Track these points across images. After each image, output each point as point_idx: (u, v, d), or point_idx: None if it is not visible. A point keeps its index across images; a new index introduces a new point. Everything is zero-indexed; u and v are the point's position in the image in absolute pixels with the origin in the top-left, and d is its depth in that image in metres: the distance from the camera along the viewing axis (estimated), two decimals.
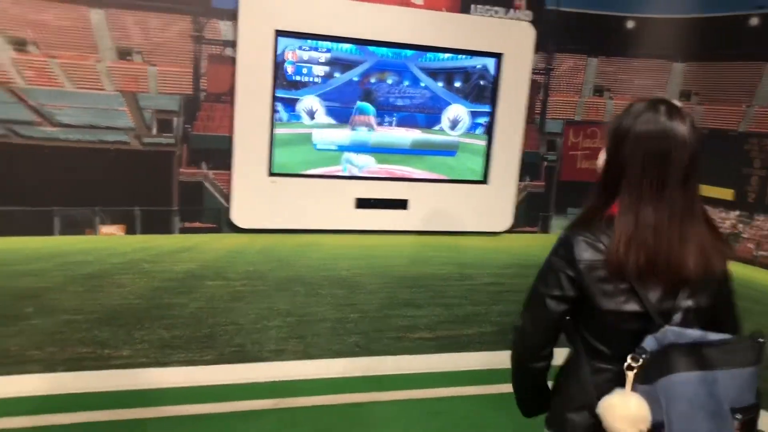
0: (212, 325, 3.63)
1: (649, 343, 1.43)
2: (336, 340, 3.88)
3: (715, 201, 3.87)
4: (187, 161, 3.45)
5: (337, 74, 3.54)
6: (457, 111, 3.79)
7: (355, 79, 3.57)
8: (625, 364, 1.43)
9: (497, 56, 3.76)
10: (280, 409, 3.48)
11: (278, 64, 3.42)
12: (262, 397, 3.56)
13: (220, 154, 3.48)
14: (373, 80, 3.60)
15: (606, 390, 1.49)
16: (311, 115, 3.55)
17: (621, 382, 1.47)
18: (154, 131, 3.37)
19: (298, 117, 3.53)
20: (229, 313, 3.65)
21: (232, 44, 3.36)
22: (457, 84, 3.75)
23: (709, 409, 1.38)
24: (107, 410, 3.30)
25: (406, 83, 3.66)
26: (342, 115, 3.60)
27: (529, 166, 4.05)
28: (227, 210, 3.53)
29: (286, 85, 3.47)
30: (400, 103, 3.68)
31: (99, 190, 3.35)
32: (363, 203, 3.73)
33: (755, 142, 3.68)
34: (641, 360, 1.41)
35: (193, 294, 3.59)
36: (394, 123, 3.70)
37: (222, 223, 3.57)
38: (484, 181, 3.93)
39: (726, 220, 3.82)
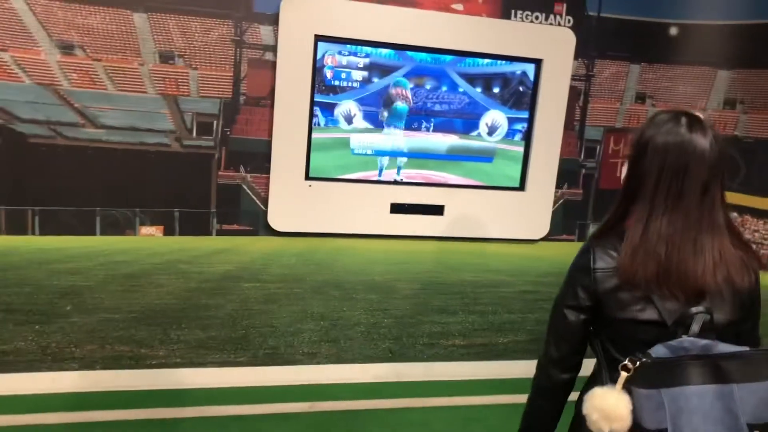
0: (247, 326, 3.66)
1: (658, 350, 1.40)
2: (369, 345, 3.88)
3: (758, 211, 3.78)
4: (225, 164, 3.48)
5: (375, 79, 3.54)
6: (495, 117, 3.76)
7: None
8: (621, 364, 1.40)
9: (537, 62, 3.73)
10: (313, 412, 3.49)
11: (317, 69, 3.44)
12: (295, 400, 3.57)
13: (258, 158, 3.50)
14: (411, 85, 3.59)
15: None
16: (349, 119, 3.55)
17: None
18: (194, 134, 3.41)
19: (335, 121, 3.54)
20: (264, 315, 3.68)
21: (273, 49, 3.38)
22: (496, 90, 3.72)
23: (725, 424, 1.34)
24: (142, 409, 3.34)
25: (444, 88, 3.65)
26: (380, 120, 3.60)
27: (566, 174, 4.00)
28: (264, 213, 3.56)
29: (324, 89, 3.48)
30: (438, 108, 3.67)
31: (139, 192, 3.41)
32: (398, 208, 3.72)
33: None
34: (638, 363, 1.37)
35: (228, 295, 3.62)
36: (431, 128, 3.68)
37: (259, 225, 3.59)
38: (521, 187, 3.89)
39: None
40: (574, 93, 3.88)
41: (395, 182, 3.71)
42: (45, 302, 3.36)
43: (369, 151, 3.64)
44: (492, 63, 3.68)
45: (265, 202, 3.54)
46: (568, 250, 4.03)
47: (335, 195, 3.61)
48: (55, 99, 3.18)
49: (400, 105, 3.60)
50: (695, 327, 1.43)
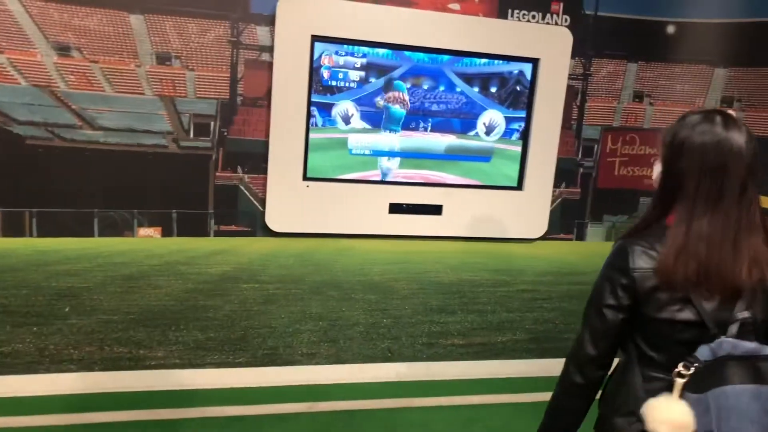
0: (245, 327, 3.66)
1: (703, 352, 1.42)
2: (368, 345, 3.88)
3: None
4: (223, 165, 3.48)
5: (372, 79, 3.54)
6: (493, 116, 3.76)
7: None
8: (675, 371, 1.42)
9: (534, 61, 3.73)
10: (313, 412, 3.49)
11: (314, 69, 3.44)
12: (294, 401, 3.57)
13: (255, 158, 3.50)
14: (408, 85, 3.59)
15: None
16: (346, 119, 3.55)
17: (672, 391, 1.47)
18: (191, 135, 3.41)
19: (333, 122, 3.54)
20: (263, 315, 3.68)
21: (269, 49, 3.38)
22: (493, 89, 3.72)
23: (762, 424, 1.36)
24: (141, 410, 3.34)
25: (442, 88, 3.65)
26: (377, 120, 3.60)
27: (564, 173, 4.00)
28: (262, 214, 3.56)
29: (321, 90, 3.48)
30: (435, 108, 3.67)
31: (137, 193, 3.41)
32: (396, 208, 3.72)
33: None
34: (692, 369, 1.40)
35: (227, 296, 3.62)
36: (429, 128, 3.69)
37: (257, 226, 3.59)
38: (518, 187, 3.89)
39: None
40: (571, 92, 3.88)
41: (394, 182, 3.70)
42: (43, 304, 3.36)
43: (367, 151, 3.64)
44: (489, 62, 3.68)
45: (263, 202, 3.54)
46: (566, 250, 4.08)
47: (333, 195, 3.61)
48: (51, 101, 3.18)
49: (396, 109, 3.60)
50: (734, 328, 1.45)
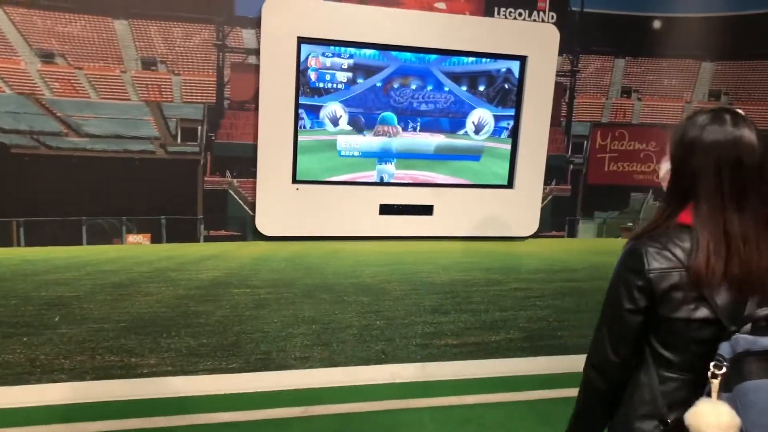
0: (238, 332, 3.64)
1: (725, 349, 1.42)
2: (362, 347, 3.86)
3: None
4: (211, 170, 3.46)
5: (360, 80, 3.53)
6: (482, 115, 3.76)
7: (378, 84, 3.56)
8: (709, 372, 1.42)
9: (521, 59, 3.72)
10: (307, 417, 3.47)
11: (301, 71, 3.42)
12: (288, 405, 3.55)
13: (244, 162, 3.48)
14: (396, 85, 3.58)
15: (674, 398, 1.51)
16: (335, 121, 3.54)
17: (690, 391, 1.48)
18: (179, 140, 3.39)
19: (321, 124, 3.52)
20: (255, 320, 3.66)
21: (256, 52, 3.36)
22: (481, 88, 3.72)
23: None
24: (135, 418, 3.32)
25: (430, 88, 3.64)
26: (366, 121, 3.59)
27: (554, 170, 4.00)
28: (252, 218, 3.54)
29: (309, 92, 3.47)
30: (423, 108, 3.66)
31: (125, 200, 3.38)
32: (387, 209, 3.71)
33: None
34: (724, 367, 1.40)
35: (218, 302, 3.60)
36: (418, 128, 3.67)
37: (247, 231, 3.57)
38: (509, 185, 3.89)
39: None
40: (559, 89, 3.88)
41: (384, 183, 3.69)
42: (32, 314, 3.33)
43: (356, 153, 3.63)
44: (477, 61, 3.68)
45: (253, 206, 3.52)
46: (558, 247, 4.08)
47: (323, 198, 3.60)
48: (37, 108, 3.15)
49: (386, 142, 3.60)
50: (749, 324, 1.44)
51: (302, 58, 3.41)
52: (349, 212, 3.66)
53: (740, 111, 1.52)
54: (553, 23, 3.76)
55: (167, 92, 3.32)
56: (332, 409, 3.56)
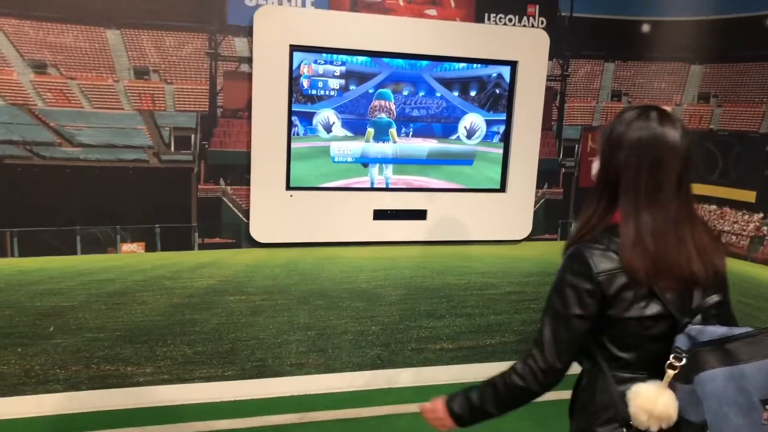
0: (233, 340, 3.64)
1: (683, 341, 1.44)
2: (357, 352, 3.87)
3: (737, 203, 3.82)
4: (205, 177, 3.47)
5: (352, 87, 3.55)
6: (474, 120, 3.78)
7: (371, 91, 3.58)
8: (667, 363, 1.43)
9: (512, 64, 3.75)
10: (304, 423, 3.47)
11: (294, 79, 3.44)
12: (285, 412, 3.55)
13: (237, 170, 3.49)
14: (389, 91, 3.60)
15: None
16: (328, 128, 3.55)
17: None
18: (172, 149, 3.39)
19: (314, 130, 3.54)
20: (250, 327, 3.66)
21: (248, 60, 3.38)
22: (473, 93, 3.74)
23: (740, 405, 1.38)
24: (131, 428, 3.31)
25: (422, 94, 3.66)
26: (358, 128, 3.61)
27: (546, 173, 4.03)
28: (246, 225, 3.54)
29: (302, 99, 3.48)
30: (416, 113, 3.68)
31: (119, 209, 3.38)
32: (381, 215, 3.72)
33: None
34: (684, 359, 1.41)
35: (213, 309, 3.60)
36: (410, 133, 3.69)
37: (241, 238, 3.58)
38: (501, 189, 3.91)
39: (749, 222, 3.76)
40: (550, 93, 3.91)
41: (377, 189, 3.71)
42: (27, 324, 3.32)
43: (350, 159, 3.64)
44: (468, 66, 3.70)
45: (247, 214, 3.53)
46: (551, 250, 4.10)
47: (317, 204, 3.61)
48: (29, 119, 3.15)
49: (383, 118, 3.60)
50: (699, 316, 1.47)
51: (295, 66, 3.43)
52: (343, 218, 3.67)
53: (668, 109, 1.54)
54: (543, 28, 3.79)
55: (160, 101, 3.33)
56: (329, 416, 3.56)
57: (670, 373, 1.42)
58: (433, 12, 3.63)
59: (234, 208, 3.54)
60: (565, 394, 1.73)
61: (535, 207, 4.02)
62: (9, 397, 3.33)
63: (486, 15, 3.71)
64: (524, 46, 3.75)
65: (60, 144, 3.22)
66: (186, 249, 3.52)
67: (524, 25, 3.78)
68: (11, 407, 3.33)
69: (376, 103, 3.59)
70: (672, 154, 1.47)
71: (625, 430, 1.51)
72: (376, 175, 3.69)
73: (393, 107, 3.62)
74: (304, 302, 3.73)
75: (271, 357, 3.71)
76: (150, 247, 3.46)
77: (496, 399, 1.64)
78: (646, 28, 3.99)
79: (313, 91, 3.49)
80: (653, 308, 1.49)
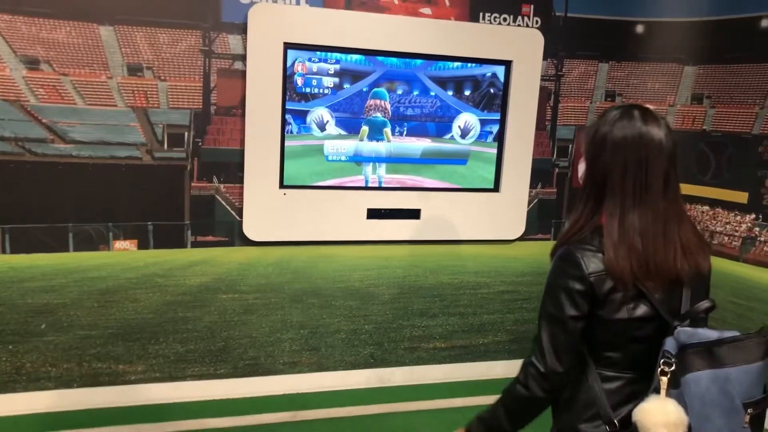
0: (226, 338, 3.63)
1: (671, 345, 1.44)
2: (350, 351, 3.87)
3: (729, 204, 3.83)
4: (198, 175, 3.46)
5: (346, 85, 3.54)
6: (468, 119, 3.78)
7: (365, 89, 3.57)
8: (659, 369, 1.43)
9: (506, 64, 3.75)
10: (297, 422, 3.47)
11: (288, 77, 3.43)
12: (277, 410, 3.55)
13: (231, 168, 3.48)
14: (391, 92, 3.60)
15: (618, 397, 1.52)
16: (322, 126, 3.55)
17: (634, 389, 1.50)
18: (166, 146, 3.38)
19: (308, 129, 3.53)
20: (243, 326, 3.65)
21: (242, 58, 3.37)
22: (467, 92, 3.74)
23: (723, 407, 1.39)
24: (123, 426, 3.30)
25: (416, 92, 3.66)
26: (352, 126, 3.60)
27: (540, 173, 4.03)
28: (239, 223, 3.54)
29: (296, 97, 3.47)
30: (410, 112, 3.68)
31: (112, 206, 3.37)
32: (374, 214, 3.72)
33: None
34: (674, 364, 1.41)
35: (206, 307, 3.59)
36: (404, 132, 3.69)
37: (234, 236, 3.57)
38: (495, 189, 3.91)
39: (741, 223, 3.77)
40: (544, 93, 3.91)
41: (371, 188, 3.70)
42: (18, 321, 3.31)
43: (343, 158, 3.64)
44: (462, 66, 3.70)
45: (240, 212, 3.52)
46: (544, 250, 4.04)
47: (311, 203, 3.60)
48: (22, 115, 3.14)
49: (378, 117, 3.60)
50: (687, 318, 1.48)
51: (289, 64, 3.42)
52: (337, 217, 3.66)
53: (650, 107, 1.54)
54: (537, 28, 3.80)
55: (153, 98, 3.32)
56: (321, 414, 3.56)
57: (664, 380, 1.42)
58: (427, 11, 3.63)
59: (227, 206, 3.53)
60: None
61: (528, 207, 4.02)
62: (0, 394, 3.32)
63: (481, 14, 3.71)
64: (519, 46, 3.75)
65: (52, 140, 3.21)
66: (179, 247, 3.51)
67: (519, 25, 3.78)
68: (2, 405, 3.31)
69: (371, 102, 3.59)
70: (657, 152, 1.47)
71: (608, 428, 1.52)
72: (370, 174, 3.69)
73: (388, 106, 3.62)
74: (297, 301, 3.73)
75: (263, 355, 3.71)
76: (143, 245, 3.45)
77: (507, 413, 1.63)
78: (640, 28, 4.00)
79: (307, 89, 3.49)
80: (642, 309, 1.49)
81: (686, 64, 4.00)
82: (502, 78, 3.78)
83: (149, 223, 3.44)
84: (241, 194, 3.50)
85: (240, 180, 3.48)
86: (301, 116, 3.51)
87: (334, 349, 3.83)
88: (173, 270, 3.52)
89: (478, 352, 4.11)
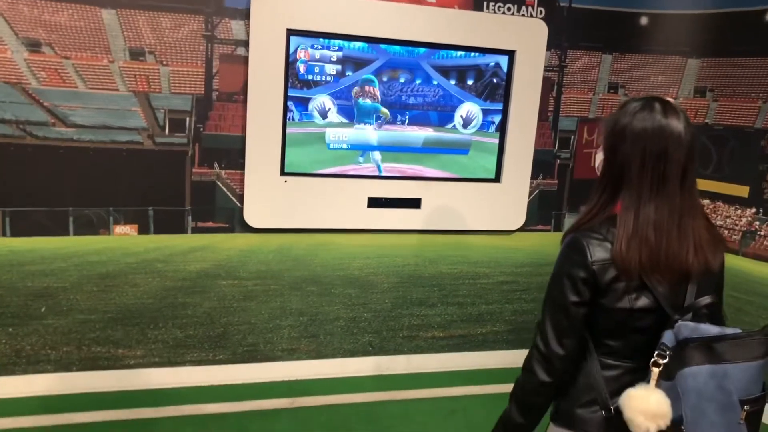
0: (225, 324, 3.64)
1: (669, 338, 1.44)
2: (349, 339, 3.88)
3: (730, 198, 3.83)
4: (199, 161, 3.45)
5: (349, 73, 3.53)
6: (470, 109, 3.77)
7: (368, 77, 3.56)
8: (651, 360, 1.44)
9: (510, 53, 3.74)
10: (295, 408, 3.48)
11: (290, 63, 3.42)
12: (275, 397, 3.56)
13: (232, 154, 3.48)
14: (385, 78, 3.59)
15: (617, 385, 1.53)
16: (323, 114, 3.54)
17: (632, 378, 1.51)
18: (167, 131, 3.38)
19: (310, 116, 3.52)
20: (242, 312, 3.66)
21: (245, 44, 3.35)
22: (470, 82, 3.73)
23: (719, 402, 1.39)
24: (121, 410, 3.31)
25: (419, 81, 3.65)
26: (354, 114, 3.59)
27: (541, 164, 4.03)
28: (240, 210, 3.53)
29: (298, 84, 3.46)
30: (412, 101, 3.67)
31: (112, 190, 3.37)
32: (375, 203, 3.71)
33: None
34: (667, 357, 1.42)
35: (206, 294, 3.59)
36: (406, 121, 3.68)
37: (235, 222, 3.57)
38: (496, 179, 3.91)
39: (742, 217, 3.78)
40: (547, 84, 3.90)
41: (372, 176, 3.70)
42: (18, 304, 3.31)
43: (345, 146, 3.63)
44: (465, 55, 3.69)
45: (241, 198, 3.52)
46: (544, 241, 4.11)
47: (311, 190, 3.60)
48: (23, 98, 3.13)
49: (366, 103, 3.59)
50: (690, 312, 1.48)
51: (291, 50, 3.41)
52: (337, 205, 3.66)
53: (671, 100, 1.53)
54: (541, 18, 3.78)
55: (155, 83, 3.31)
56: (319, 401, 3.58)
57: (656, 371, 1.43)
58: None
59: (228, 193, 3.53)
60: None
61: (529, 198, 4.02)
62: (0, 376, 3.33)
63: (484, 3, 3.69)
64: (522, 36, 3.74)
65: (54, 124, 3.20)
66: (179, 232, 3.51)
67: (523, 15, 3.77)
68: (1, 387, 3.32)
69: (362, 88, 3.57)
70: (677, 145, 1.47)
71: (604, 413, 1.53)
72: (367, 161, 3.68)
73: (377, 93, 3.59)
74: (296, 288, 3.74)
75: (262, 342, 3.72)
76: (143, 230, 3.45)
77: (517, 404, 1.67)
78: (644, 20, 3.98)
79: (310, 77, 3.48)
80: (644, 301, 1.49)
81: (690, 57, 3.99)
82: (505, 68, 3.77)
83: (150, 208, 3.44)
84: (242, 181, 3.49)
85: (241, 166, 3.48)
86: (303, 103, 3.50)
87: (333, 337, 3.84)
88: (173, 255, 3.53)
89: (476, 341, 4.13)
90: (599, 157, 1.62)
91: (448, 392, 3.77)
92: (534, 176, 4.01)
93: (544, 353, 1.57)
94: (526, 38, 3.75)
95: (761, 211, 3.68)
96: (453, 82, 3.71)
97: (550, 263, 1.63)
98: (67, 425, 3.15)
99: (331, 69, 3.50)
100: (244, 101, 3.40)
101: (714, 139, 3.91)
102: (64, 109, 3.20)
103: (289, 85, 3.44)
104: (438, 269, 4.00)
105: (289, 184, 3.54)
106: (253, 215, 3.54)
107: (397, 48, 3.57)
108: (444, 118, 3.75)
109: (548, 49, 3.82)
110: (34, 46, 3.09)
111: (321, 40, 3.45)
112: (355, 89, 3.55)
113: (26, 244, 3.29)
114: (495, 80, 3.77)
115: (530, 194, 4.03)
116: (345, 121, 3.59)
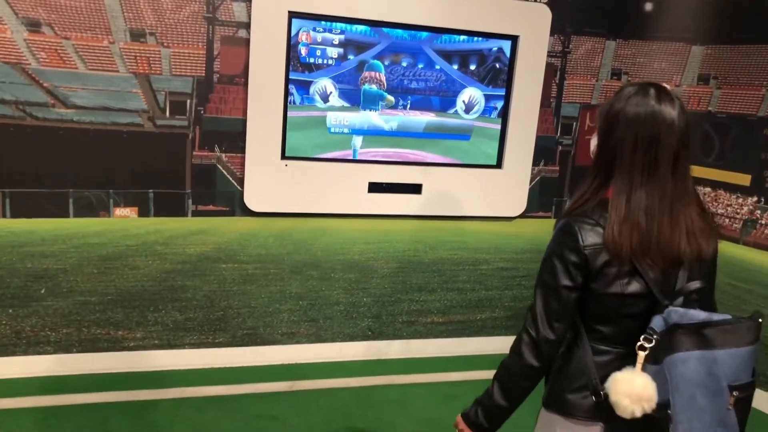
0: (225, 307, 3.64)
1: (657, 323, 1.45)
2: (348, 323, 3.88)
3: (732, 186, 3.82)
4: (200, 144, 3.44)
5: (351, 56, 3.51)
6: (472, 94, 3.75)
7: (370, 60, 3.54)
8: (638, 344, 1.45)
9: (513, 39, 3.71)
10: (294, 391, 3.49)
11: (292, 46, 3.39)
12: (274, 380, 3.57)
13: (233, 137, 3.46)
14: (387, 62, 3.57)
15: (607, 371, 1.52)
16: (325, 97, 3.52)
17: (623, 363, 1.50)
18: (167, 113, 3.36)
19: (311, 100, 3.50)
20: (242, 295, 3.66)
21: (246, 26, 3.33)
22: (472, 67, 3.71)
23: (708, 388, 1.40)
24: (120, 391, 3.33)
25: (421, 66, 3.63)
26: (356, 98, 3.57)
27: (543, 151, 4.01)
28: (240, 193, 3.53)
29: (299, 67, 3.44)
30: (414, 86, 3.65)
31: (112, 172, 3.35)
32: (375, 188, 3.70)
33: None
34: (654, 341, 1.43)
35: (206, 277, 3.60)
36: (408, 106, 3.67)
37: (235, 206, 3.56)
38: (498, 165, 3.90)
39: (743, 205, 3.77)
40: (550, 70, 3.88)
41: (373, 161, 3.68)
42: (18, 286, 3.31)
43: (346, 130, 3.61)
44: (468, 40, 3.67)
45: (241, 182, 3.51)
46: (545, 227, 4.09)
47: (312, 174, 3.59)
48: (23, 78, 3.11)
49: (372, 89, 3.57)
50: (680, 297, 1.48)
51: (293, 33, 3.38)
52: (338, 189, 3.65)
53: (666, 86, 1.53)
54: (545, 3, 3.75)
55: (156, 64, 3.29)
56: (318, 384, 3.59)
57: (641, 354, 1.44)
58: None
59: (228, 176, 3.52)
60: None
61: (530, 184, 4.01)
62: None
63: None
64: (526, 21, 3.71)
65: (53, 105, 3.18)
66: (179, 215, 3.50)
67: (527, 0, 3.73)
68: (1, 367, 3.33)
69: (366, 74, 3.55)
70: (669, 131, 1.47)
71: (594, 398, 1.54)
72: (358, 146, 3.65)
73: (383, 78, 3.57)
74: (296, 272, 3.74)
75: (262, 325, 3.72)
76: (143, 212, 3.45)
77: (501, 387, 1.66)
78: (648, 6, 3.95)
79: (311, 60, 3.46)
80: (635, 286, 1.50)
81: (694, 44, 3.96)
82: (508, 53, 3.74)
83: (150, 190, 3.43)
84: (242, 164, 3.48)
85: (242, 150, 3.47)
86: (304, 87, 3.48)
87: (333, 321, 3.85)
88: (173, 238, 3.52)
89: (475, 327, 4.13)
90: (594, 142, 1.63)
91: (447, 377, 3.79)
92: (535, 163, 4.00)
93: (534, 337, 1.57)
94: (530, 23, 3.73)
95: (763, 199, 3.67)
96: (455, 66, 3.69)
97: None
98: (67, 406, 3.17)
99: (333, 52, 3.48)
100: (245, 84, 3.38)
101: (716, 126, 3.89)
102: (64, 90, 3.19)
103: (291, 68, 3.42)
104: (438, 255, 4.00)
105: (290, 168, 3.53)
106: (253, 199, 3.53)
107: (399, 32, 3.55)
108: (446, 103, 3.73)
109: (552, 34, 3.80)
110: (33, 26, 3.07)
111: (323, 22, 3.42)
112: (367, 74, 3.53)
113: (26, 226, 3.28)
114: (498, 65, 3.75)
115: (531, 181, 4.02)
116: (347, 105, 3.57)
